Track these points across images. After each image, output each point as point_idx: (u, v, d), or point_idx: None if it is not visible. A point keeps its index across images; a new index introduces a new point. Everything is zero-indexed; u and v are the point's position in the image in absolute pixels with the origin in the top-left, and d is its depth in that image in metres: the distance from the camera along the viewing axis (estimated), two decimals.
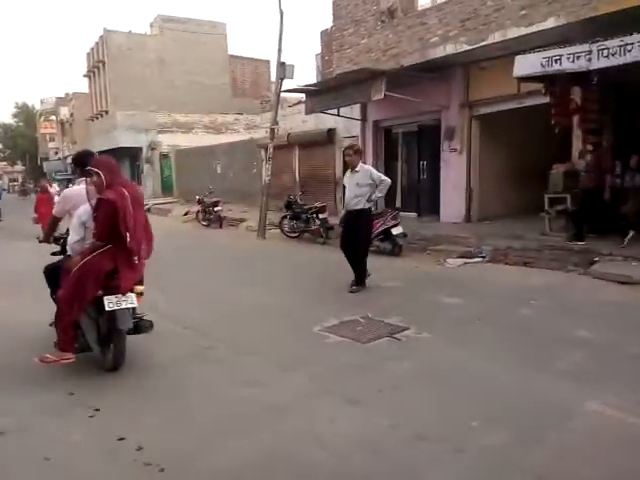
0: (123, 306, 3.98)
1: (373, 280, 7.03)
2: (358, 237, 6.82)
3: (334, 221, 10.54)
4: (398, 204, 12.69)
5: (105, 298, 3.95)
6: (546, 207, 9.30)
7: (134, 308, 4.16)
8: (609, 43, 6.87)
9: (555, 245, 8.19)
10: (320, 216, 11.42)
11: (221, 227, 15.28)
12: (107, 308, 3.93)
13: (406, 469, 2.82)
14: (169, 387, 3.99)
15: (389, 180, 6.92)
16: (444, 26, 10.75)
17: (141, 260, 4.24)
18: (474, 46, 9.97)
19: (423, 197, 12.91)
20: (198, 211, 16.41)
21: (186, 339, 5.14)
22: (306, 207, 11.97)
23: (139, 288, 4.20)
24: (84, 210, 4.14)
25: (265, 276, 8.24)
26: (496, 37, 9.53)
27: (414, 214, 12.65)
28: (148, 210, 22.27)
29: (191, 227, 16.24)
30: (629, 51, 6.67)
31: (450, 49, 10.42)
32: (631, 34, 6.66)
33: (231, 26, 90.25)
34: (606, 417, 3.26)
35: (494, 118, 10.98)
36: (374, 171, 6.90)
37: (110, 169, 4.14)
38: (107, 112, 31.68)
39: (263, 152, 15.14)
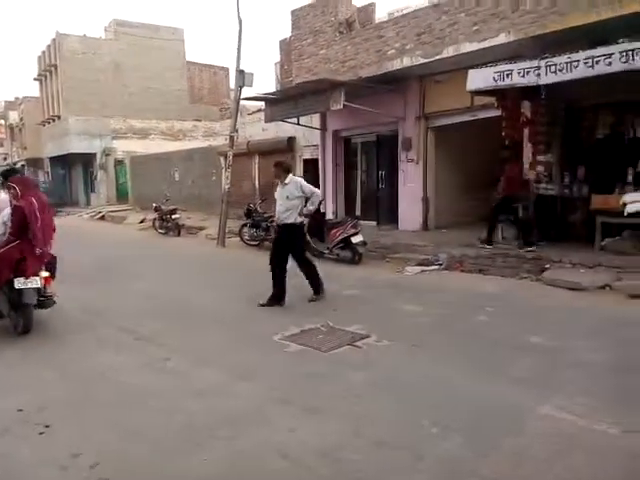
0: (29, 286, 5.26)
1: (334, 289, 7.07)
2: (292, 254, 6.71)
3: None
4: (358, 213, 12.86)
5: (15, 279, 5.23)
6: None
7: (40, 288, 5.41)
8: (557, 59, 7.18)
9: (508, 253, 8.44)
10: None
11: (179, 235, 15.02)
12: (16, 287, 5.23)
13: (368, 477, 2.84)
14: (124, 399, 3.88)
15: (319, 192, 6.95)
16: (401, 39, 11.00)
17: (46, 251, 5.50)
18: (429, 59, 10.22)
19: (382, 206, 13.07)
20: (155, 219, 16.07)
21: (140, 350, 5.03)
22: (266, 215, 11.89)
23: (44, 273, 5.48)
24: (6, 213, 5.51)
25: (225, 284, 8.14)
26: (450, 51, 9.81)
27: (373, 222, 12.78)
28: (102, 217, 21.93)
29: (147, 235, 15.89)
30: (575, 67, 6.98)
31: (406, 62, 10.65)
32: (577, 51, 6.99)
33: (189, 32, 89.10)
34: (558, 420, 3.38)
35: (449, 130, 11.26)
36: (304, 183, 6.76)
37: (24, 184, 5.61)
38: (59, 117, 30.62)
39: (223, 160, 15.00)
